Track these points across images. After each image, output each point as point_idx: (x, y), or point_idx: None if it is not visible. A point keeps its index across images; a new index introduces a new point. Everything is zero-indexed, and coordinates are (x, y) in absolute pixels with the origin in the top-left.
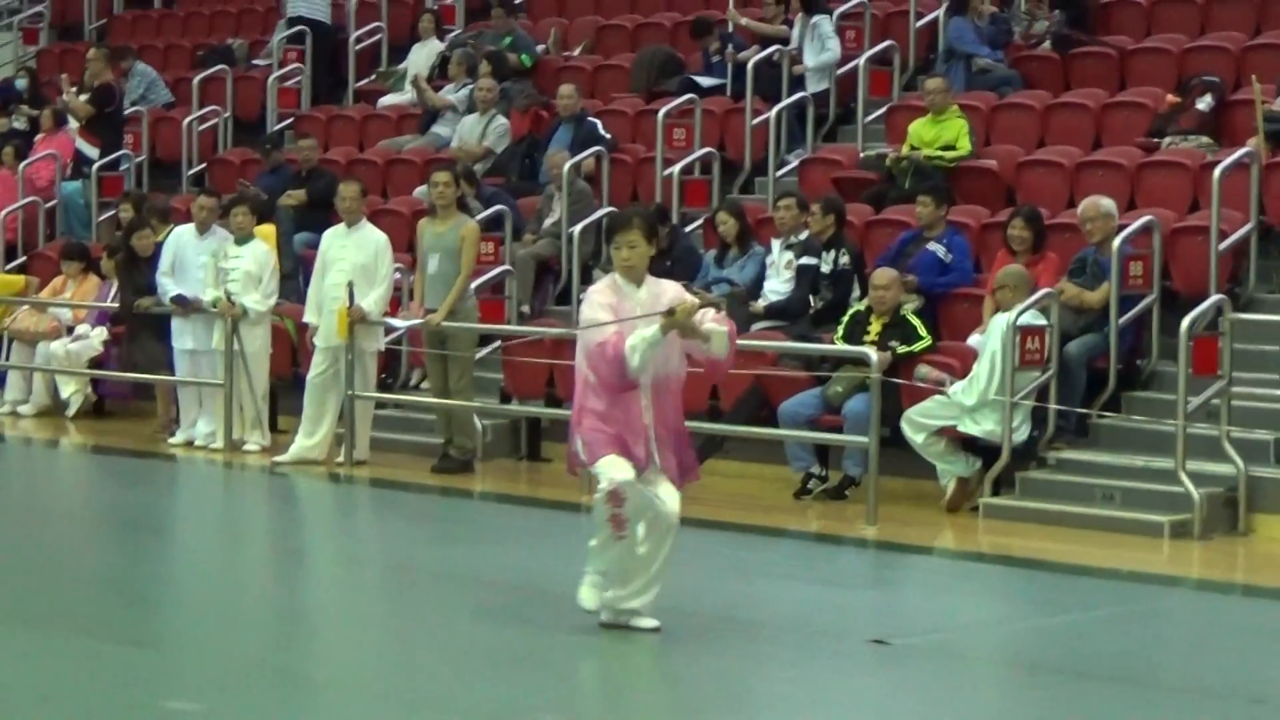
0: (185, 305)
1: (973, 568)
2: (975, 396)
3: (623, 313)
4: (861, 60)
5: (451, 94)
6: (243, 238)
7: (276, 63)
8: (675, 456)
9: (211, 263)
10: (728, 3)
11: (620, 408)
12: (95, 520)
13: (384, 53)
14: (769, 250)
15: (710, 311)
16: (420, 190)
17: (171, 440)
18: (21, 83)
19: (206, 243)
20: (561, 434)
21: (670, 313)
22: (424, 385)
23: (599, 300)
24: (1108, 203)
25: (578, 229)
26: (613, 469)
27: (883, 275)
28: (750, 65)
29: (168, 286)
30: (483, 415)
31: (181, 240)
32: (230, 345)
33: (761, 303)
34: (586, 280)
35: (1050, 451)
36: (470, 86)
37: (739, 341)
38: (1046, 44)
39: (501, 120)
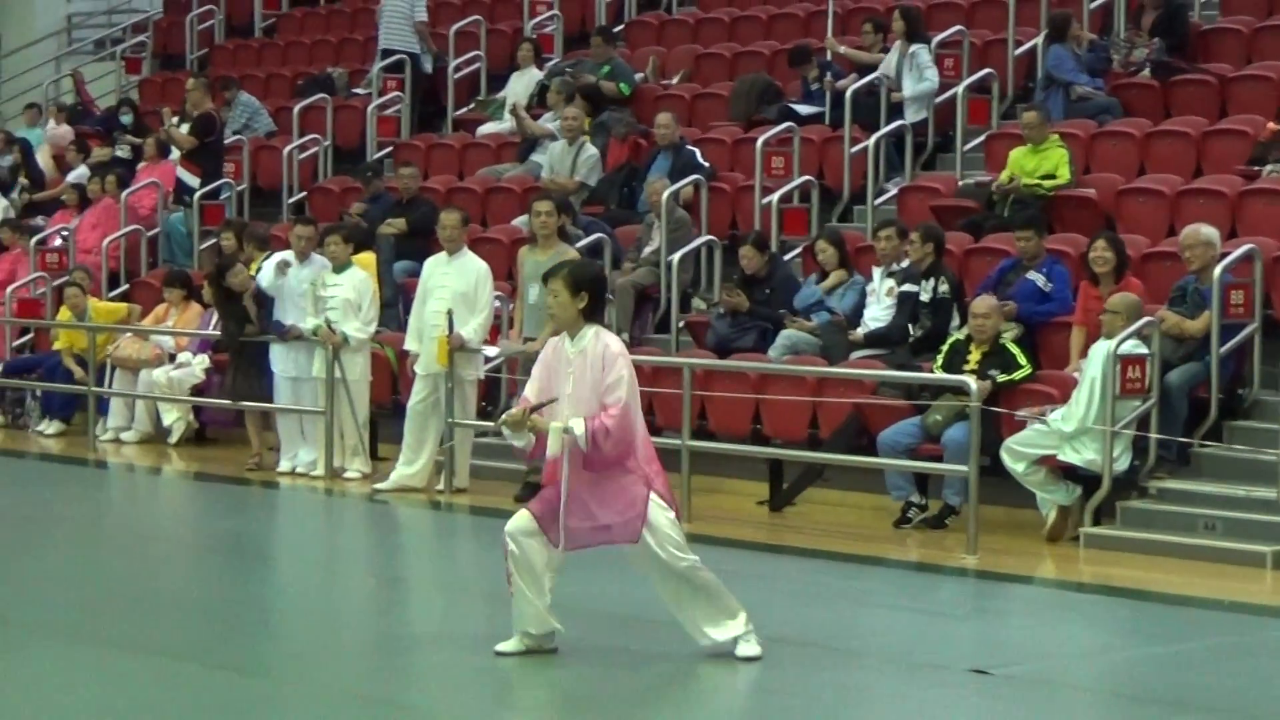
0: (283, 332)
1: (1073, 598)
2: (1074, 423)
3: (555, 372)
4: (960, 88)
5: (550, 122)
6: (340, 265)
7: (376, 91)
8: (598, 518)
9: (310, 291)
10: (826, 30)
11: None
12: (197, 547)
13: (483, 81)
14: (869, 278)
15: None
16: (521, 219)
17: (277, 469)
18: (127, 118)
19: (306, 270)
20: (661, 462)
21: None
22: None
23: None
24: (1208, 231)
25: (676, 257)
26: (512, 521)
27: (982, 304)
28: (849, 93)
29: (269, 271)
30: None
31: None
32: (331, 373)
33: (861, 331)
34: (686, 308)
35: (1151, 481)
36: None
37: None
38: (1146, 71)
39: (591, 150)
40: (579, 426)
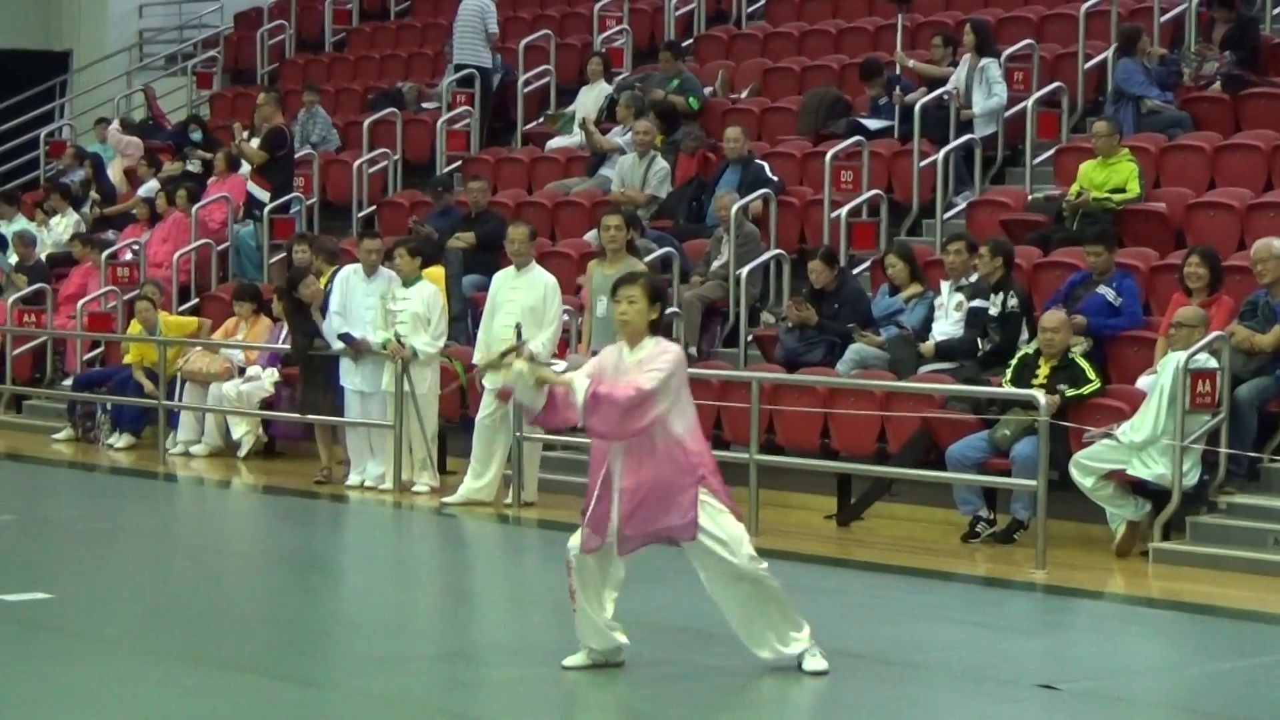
0: (353, 344)
1: (1143, 613)
2: (1144, 433)
3: (604, 374)
4: (1030, 102)
5: (619, 136)
6: (410, 279)
7: (445, 106)
8: (656, 522)
9: (380, 304)
10: (895, 45)
11: (601, 467)
12: (266, 560)
13: (552, 96)
14: (937, 292)
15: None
16: (590, 234)
17: (346, 482)
18: (196, 134)
19: (374, 284)
20: (730, 476)
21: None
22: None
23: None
24: (1278, 244)
25: (745, 271)
26: (574, 538)
27: (1052, 318)
28: (918, 107)
29: (337, 325)
30: None
31: (349, 283)
32: (400, 387)
33: (930, 343)
34: (754, 322)
35: (1221, 496)
36: None
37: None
38: (1216, 85)
39: (662, 164)
40: (580, 383)
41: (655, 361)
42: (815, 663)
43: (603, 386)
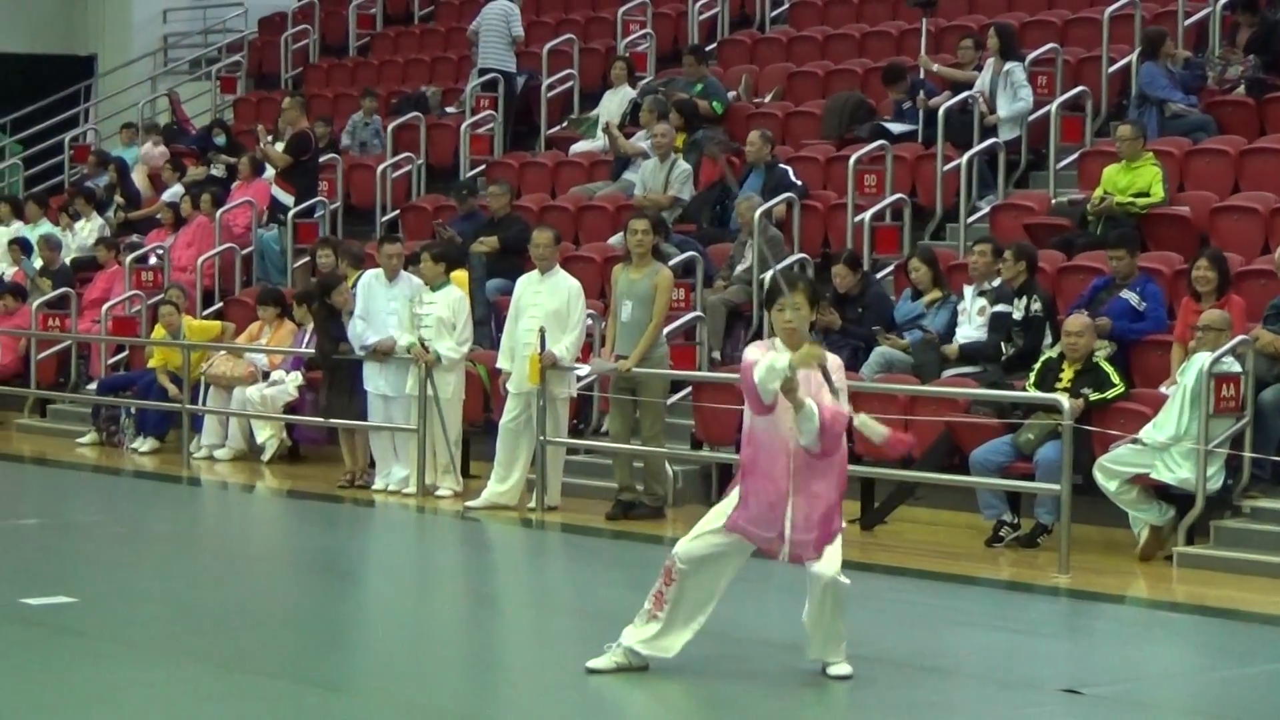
0: (376, 347)
1: (1167, 617)
2: (1168, 432)
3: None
4: (1053, 106)
5: (643, 140)
6: (438, 284)
7: (469, 110)
8: (819, 529)
9: (407, 308)
10: (919, 48)
11: (767, 477)
12: (289, 564)
13: (576, 100)
14: (961, 297)
15: (826, 393)
16: (615, 238)
17: (371, 486)
18: (220, 139)
19: (395, 289)
20: None
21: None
22: (602, 430)
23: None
24: None
25: (769, 275)
26: (682, 544)
27: (1075, 322)
28: (941, 111)
29: (360, 330)
30: (673, 461)
31: (371, 288)
32: (424, 391)
33: (954, 346)
34: None
35: (1245, 500)
36: None
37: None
38: (1241, 89)
39: (684, 166)
40: (827, 401)
41: (835, 378)
42: (841, 668)
43: (828, 408)
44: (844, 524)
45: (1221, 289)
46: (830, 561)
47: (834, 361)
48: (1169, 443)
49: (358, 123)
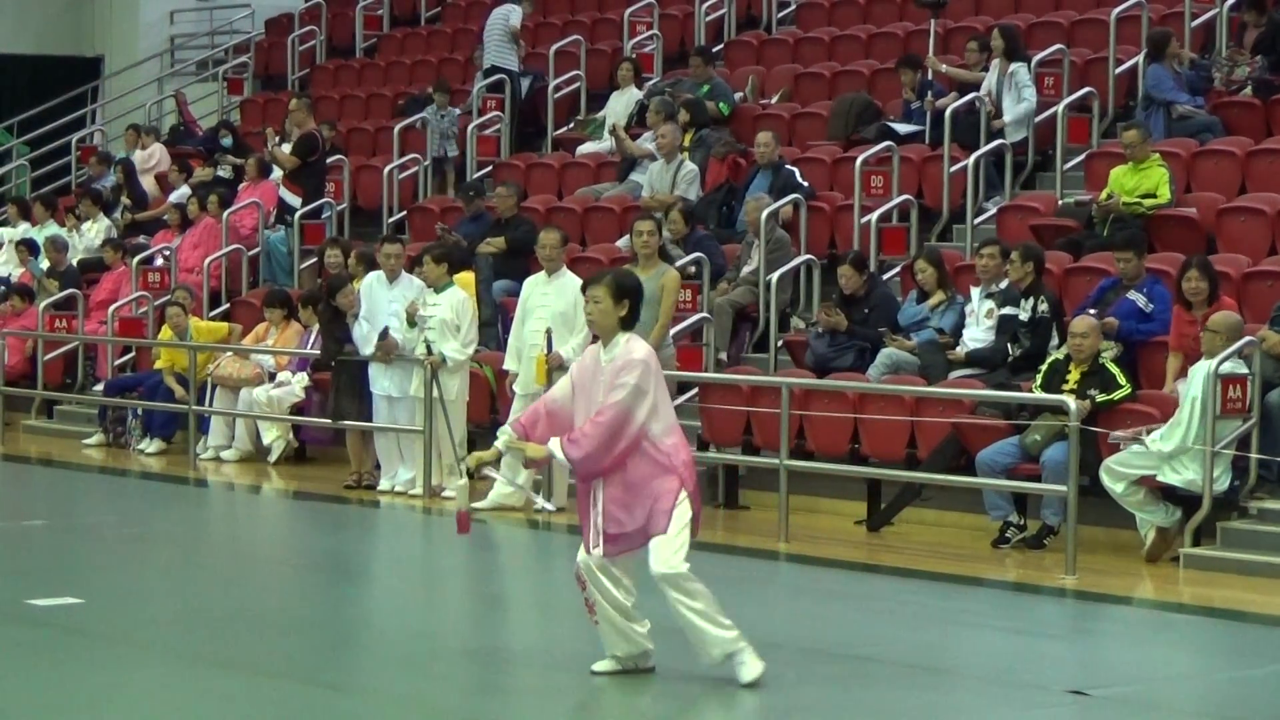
0: (384, 338)
1: (1173, 618)
2: (1174, 442)
3: (581, 380)
4: (1060, 107)
5: (649, 142)
6: (439, 285)
7: (476, 111)
8: (642, 519)
9: (402, 311)
10: (926, 49)
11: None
12: (295, 565)
13: (583, 101)
14: (967, 298)
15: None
16: (622, 241)
17: (377, 487)
18: (227, 140)
19: (396, 290)
20: (760, 481)
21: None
22: None
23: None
24: None
25: (775, 276)
26: (582, 550)
27: (1082, 323)
28: (948, 112)
29: (365, 331)
30: None
31: (372, 289)
32: (429, 392)
33: (961, 350)
34: (784, 328)
35: (1252, 501)
36: None
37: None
38: (1248, 90)
39: (690, 166)
40: (556, 448)
41: (621, 375)
42: (739, 671)
43: (572, 435)
44: (684, 515)
45: (1212, 296)
46: (659, 555)
47: (637, 355)
48: (1175, 451)
49: (432, 115)
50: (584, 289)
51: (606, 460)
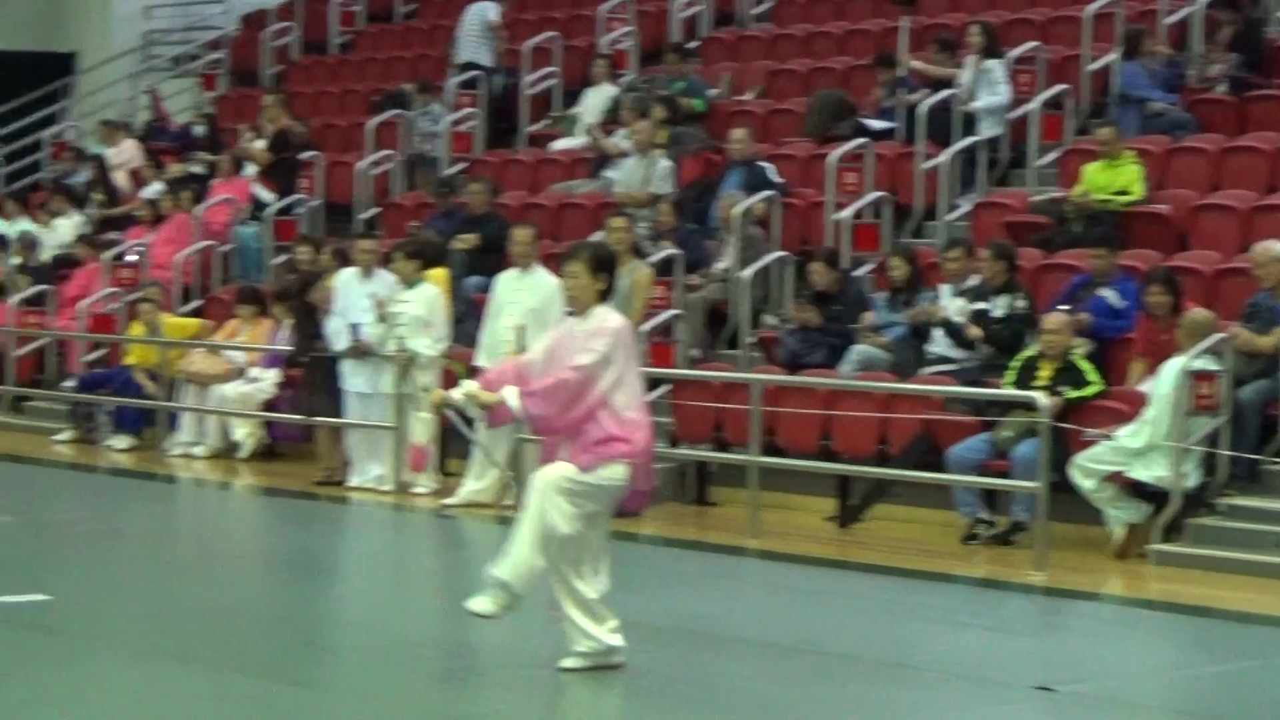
0: (356, 332)
1: (1142, 615)
2: (1144, 440)
3: (556, 347)
4: (1034, 104)
5: (624, 139)
6: (411, 282)
7: (450, 107)
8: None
9: (373, 306)
10: (901, 46)
11: None
12: (265, 562)
13: (559, 97)
14: (937, 295)
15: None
16: (596, 238)
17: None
18: (200, 129)
19: (370, 285)
20: (730, 478)
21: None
22: None
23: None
24: (1279, 247)
25: (748, 273)
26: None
27: (1053, 320)
28: (923, 109)
29: (339, 327)
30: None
31: (347, 284)
32: (400, 389)
33: (931, 347)
34: (756, 324)
35: (1221, 498)
36: None
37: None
38: (1222, 87)
39: (665, 162)
40: (513, 397)
41: (592, 340)
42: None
43: (531, 388)
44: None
45: (1176, 308)
46: (564, 470)
47: (611, 324)
48: (1144, 450)
49: (413, 118)
50: (561, 264)
51: (561, 420)
